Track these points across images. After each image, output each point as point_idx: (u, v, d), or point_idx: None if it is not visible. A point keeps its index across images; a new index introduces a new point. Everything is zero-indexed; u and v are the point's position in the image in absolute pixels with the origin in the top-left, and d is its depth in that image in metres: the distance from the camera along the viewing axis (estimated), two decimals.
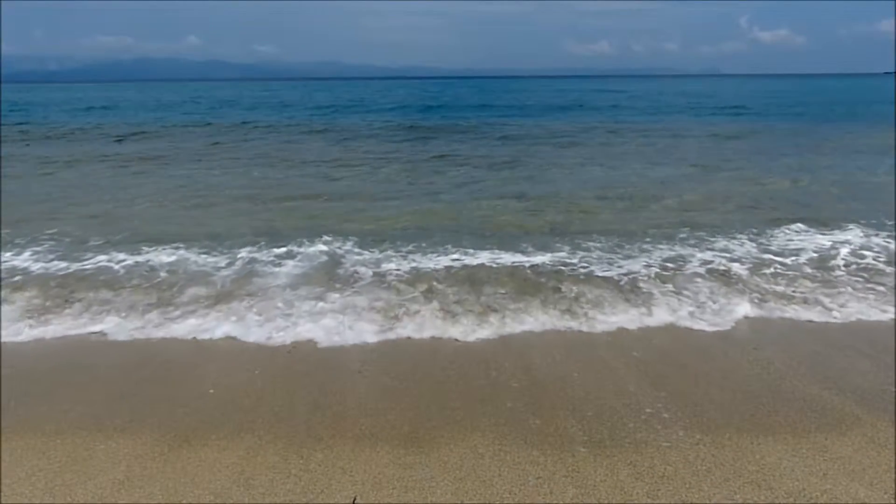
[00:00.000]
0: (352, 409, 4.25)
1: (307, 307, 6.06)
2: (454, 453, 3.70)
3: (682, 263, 7.30)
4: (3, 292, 6.44)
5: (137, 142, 22.35)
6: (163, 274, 7.03)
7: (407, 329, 5.64)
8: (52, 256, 7.74)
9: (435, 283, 6.67)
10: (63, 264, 7.41)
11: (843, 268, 7.19)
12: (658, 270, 7.02)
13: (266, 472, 3.55)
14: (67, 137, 24.00)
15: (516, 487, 3.37)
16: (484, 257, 7.55)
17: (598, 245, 8.09)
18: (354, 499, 3.29)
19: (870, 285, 6.69)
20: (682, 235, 8.53)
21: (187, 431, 3.98)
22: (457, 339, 5.45)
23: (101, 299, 6.38)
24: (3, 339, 5.52)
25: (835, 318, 5.92)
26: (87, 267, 7.33)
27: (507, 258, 7.52)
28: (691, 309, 6.07)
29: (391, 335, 5.53)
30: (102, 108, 44.31)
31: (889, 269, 7.05)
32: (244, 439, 3.88)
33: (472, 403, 4.30)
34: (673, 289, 6.56)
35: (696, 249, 7.86)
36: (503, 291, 6.47)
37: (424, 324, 5.72)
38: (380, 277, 6.85)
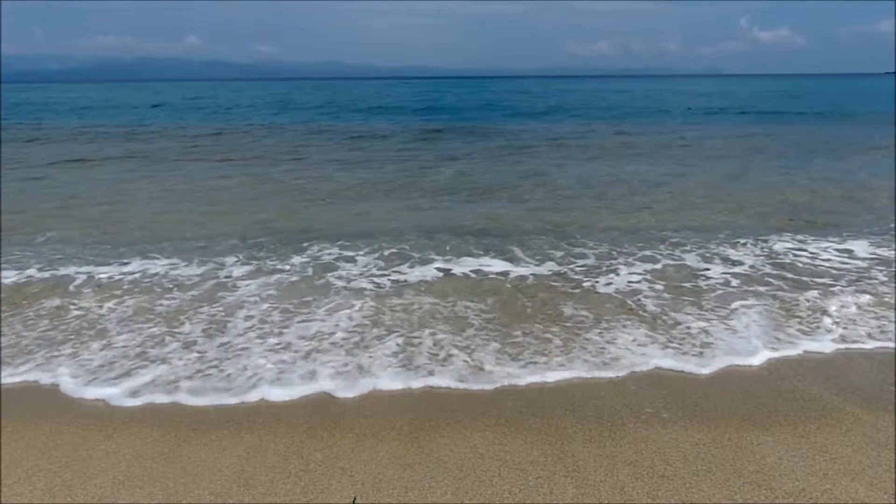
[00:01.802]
0: (352, 408, 4.25)
1: (249, 361, 4.88)
2: (454, 453, 3.70)
3: (692, 277, 6.89)
4: None
5: (139, 142, 22.37)
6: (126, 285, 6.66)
7: (375, 379, 4.63)
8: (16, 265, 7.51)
9: (417, 306, 6.06)
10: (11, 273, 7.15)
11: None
12: (667, 292, 6.41)
13: (266, 472, 3.55)
14: (71, 139, 24.02)
15: (516, 487, 3.37)
16: (472, 265, 7.34)
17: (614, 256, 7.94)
18: (354, 499, 3.29)
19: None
20: (687, 245, 8.45)
21: (187, 431, 3.98)
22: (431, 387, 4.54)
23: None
24: None
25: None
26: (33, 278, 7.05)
27: (506, 267, 7.31)
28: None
29: (357, 390, 4.49)
30: (111, 107, 44.35)
31: None
32: (244, 439, 3.88)
33: (472, 403, 4.30)
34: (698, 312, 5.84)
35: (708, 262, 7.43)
36: (490, 316, 5.80)
37: (395, 373, 4.72)
38: (357, 294, 6.40)
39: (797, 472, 3.46)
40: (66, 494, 3.37)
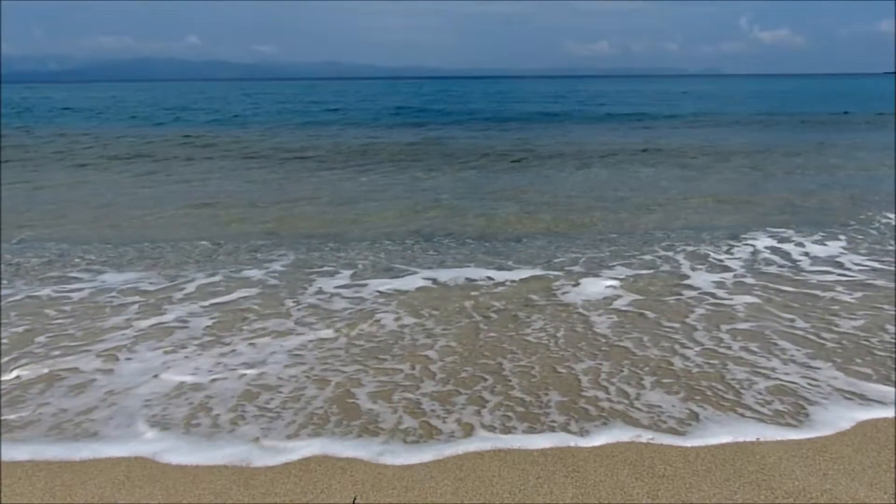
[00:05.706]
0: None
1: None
2: (454, 453, 3.70)
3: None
4: None
5: (139, 142, 22.38)
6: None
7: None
8: None
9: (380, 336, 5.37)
10: None
11: None
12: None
13: (266, 472, 3.55)
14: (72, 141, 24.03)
15: (516, 487, 3.37)
16: (454, 275, 6.93)
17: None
18: (354, 499, 3.29)
19: None
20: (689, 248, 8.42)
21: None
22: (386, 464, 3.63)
23: None
24: None
25: None
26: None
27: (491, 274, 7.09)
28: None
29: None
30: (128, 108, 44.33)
31: None
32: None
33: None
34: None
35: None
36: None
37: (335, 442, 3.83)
38: (320, 316, 5.79)
39: (797, 472, 3.46)
40: (66, 494, 3.36)
